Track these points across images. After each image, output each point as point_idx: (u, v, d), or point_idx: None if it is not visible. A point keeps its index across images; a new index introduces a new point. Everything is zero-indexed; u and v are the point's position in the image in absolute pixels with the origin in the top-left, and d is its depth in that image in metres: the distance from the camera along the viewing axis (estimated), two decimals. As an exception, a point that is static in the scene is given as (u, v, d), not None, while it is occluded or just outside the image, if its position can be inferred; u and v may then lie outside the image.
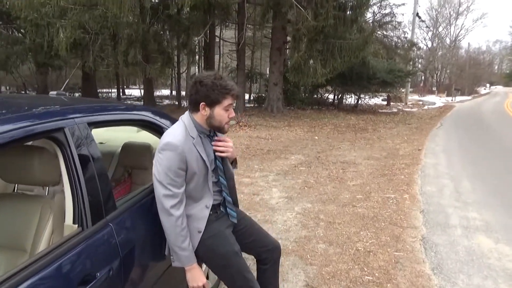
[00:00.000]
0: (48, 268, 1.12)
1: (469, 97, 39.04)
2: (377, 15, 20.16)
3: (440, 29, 51.63)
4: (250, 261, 2.66)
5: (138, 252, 1.56)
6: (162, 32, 14.46)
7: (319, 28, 11.72)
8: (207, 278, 2.24)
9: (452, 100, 31.69)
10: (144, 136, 2.50)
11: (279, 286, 2.05)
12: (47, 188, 1.69)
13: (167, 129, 1.74)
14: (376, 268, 2.84)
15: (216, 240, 1.70)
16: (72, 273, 1.20)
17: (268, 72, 17.28)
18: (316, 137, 9.68)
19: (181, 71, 20.62)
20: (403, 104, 24.55)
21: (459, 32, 53.00)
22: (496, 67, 70.86)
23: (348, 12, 13.14)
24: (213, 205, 1.75)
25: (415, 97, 34.74)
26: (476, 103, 28.19)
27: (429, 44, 50.72)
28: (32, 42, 12.24)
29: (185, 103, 17.82)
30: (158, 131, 1.92)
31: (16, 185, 1.78)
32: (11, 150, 1.38)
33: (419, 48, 27.63)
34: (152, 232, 1.66)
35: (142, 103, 18.26)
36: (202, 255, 1.69)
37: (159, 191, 1.56)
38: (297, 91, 18.00)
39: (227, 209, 1.80)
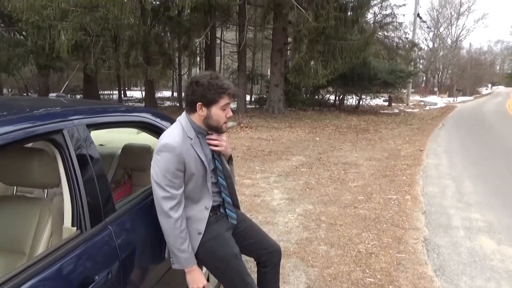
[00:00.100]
0: (46, 271, 1.12)
1: (471, 98, 38.95)
2: (378, 15, 20.20)
3: (441, 29, 51.66)
4: (251, 263, 2.64)
5: (138, 255, 1.55)
6: (163, 34, 14.50)
7: (320, 29, 11.72)
8: (208, 280, 2.22)
9: (453, 100, 31.64)
10: (144, 138, 2.49)
11: (280, 288, 2.03)
12: (46, 190, 1.68)
13: None
14: (378, 270, 2.82)
15: (216, 243, 1.69)
16: (70, 276, 1.19)
17: (269, 73, 17.30)
18: (318, 138, 9.67)
19: (182, 73, 20.65)
20: (405, 104, 24.52)
21: (460, 33, 53.06)
22: (498, 67, 70.70)
23: (349, 13, 13.14)
24: (212, 207, 1.74)
25: (417, 97, 34.70)
26: (478, 104, 28.12)
27: (430, 45, 50.77)
28: (34, 45, 12.29)
29: (186, 104, 17.76)
30: (159, 133, 1.91)
31: (15, 187, 1.77)
32: (10, 152, 1.37)
33: (420, 49, 27.67)
34: (152, 234, 1.64)
35: (143, 104, 18.29)
36: (201, 257, 1.68)
37: (158, 193, 1.55)
38: (298, 92, 18.01)
39: (226, 210, 1.79)
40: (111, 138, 2.80)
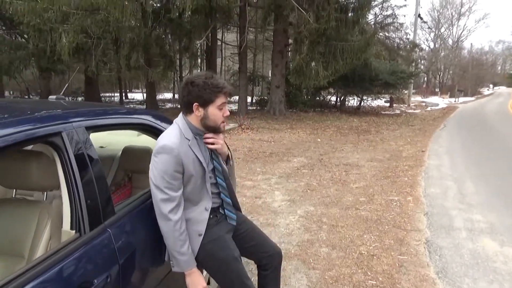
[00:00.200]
0: (45, 274, 1.11)
1: (472, 98, 38.89)
2: (379, 16, 20.22)
3: (442, 30, 51.66)
4: (251, 265, 2.63)
5: (137, 258, 1.54)
6: (164, 36, 14.54)
7: (321, 31, 11.71)
8: (208, 283, 2.21)
9: (455, 101, 31.61)
10: (145, 140, 2.48)
11: (281, 291, 2.02)
12: (45, 193, 1.68)
13: None
14: (380, 272, 2.80)
15: (216, 245, 1.68)
16: (68, 280, 1.18)
17: (270, 74, 17.30)
18: (319, 140, 9.65)
19: (183, 75, 20.69)
20: (406, 105, 24.50)
21: (461, 33, 52.99)
22: (499, 68, 70.56)
23: (349, 14, 13.15)
24: (213, 209, 1.73)
25: (418, 98, 34.67)
26: (480, 104, 28.06)
27: (432, 45, 50.75)
28: (35, 47, 12.32)
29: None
30: (159, 135, 1.90)
31: (15, 190, 1.77)
32: (9, 155, 1.36)
33: (421, 49, 27.65)
34: (151, 237, 1.63)
35: (144, 106, 18.31)
36: (201, 259, 1.67)
37: (156, 195, 1.54)
38: (299, 94, 18.01)
39: (226, 210, 1.77)
40: (112, 140, 2.80)
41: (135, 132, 2.92)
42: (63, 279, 1.17)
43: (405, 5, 29.70)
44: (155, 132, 1.93)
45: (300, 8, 11.73)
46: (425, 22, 32.95)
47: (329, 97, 21.36)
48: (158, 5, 13.52)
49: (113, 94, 26.09)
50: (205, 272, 1.88)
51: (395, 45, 21.54)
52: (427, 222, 3.88)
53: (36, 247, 1.42)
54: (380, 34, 19.73)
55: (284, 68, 14.89)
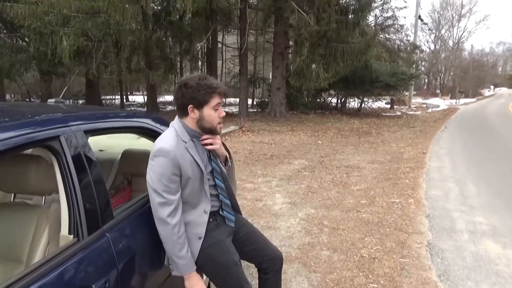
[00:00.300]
0: (42, 279, 1.10)
1: (473, 99, 38.85)
2: (379, 18, 20.26)
3: (443, 31, 51.66)
4: (252, 269, 2.62)
5: (136, 262, 1.53)
6: (164, 39, 14.56)
7: (321, 33, 11.70)
8: (209, 287, 2.19)
9: (456, 102, 31.56)
10: (145, 143, 2.47)
11: (282, 295, 2.00)
12: (44, 197, 1.67)
13: None
14: (381, 275, 2.78)
15: (216, 249, 1.67)
16: (66, 285, 1.17)
17: (270, 76, 17.30)
18: (320, 142, 9.64)
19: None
20: (407, 107, 24.47)
21: (462, 34, 52.97)
22: (500, 69, 70.53)
23: (350, 16, 13.16)
24: (212, 212, 1.72)
25: (419, 100, 34.61)
26: (481, 105, 28.03)
27: (432, 47, 50.77)
28: (36, 50, 12.34)
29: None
30: None
31: (13, 194, 1.76)
32: (7, 159, 1.36)
33: (422, 51, 27.70)
34: (151, 241, 1.62)
35: (145, 109, 18.32)
36: (201, 263, 1.66)
37: (154, 199, 1.53)
38: (300, 96, 18.00)
39: (224, 212, 1.76)
40: (111, 144, 2.79)
41: (135, 135, 2.91)
42: (60, 285, 1.16)
43: (405, 7, 29.59)
44: (154, 136, 1.92)
45: (300, 10, 11.74)
46: (425, 24, 32.98)
47: (329, 99, 21.35)
48: (159, 8, 13.55)
49: (114, 97, 26.10)
50: (205, 277, 1.87)
51: (396, 46, 21.57)
52: (429, 224, 3.86)
53: (34, 252, 1.41)
54: (381, 36, 19.75)
55: (285, 70, 14.89)
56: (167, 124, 2.03)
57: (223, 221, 1.77)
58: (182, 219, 1.58)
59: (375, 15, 19.89)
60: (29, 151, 1.67)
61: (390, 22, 20.21)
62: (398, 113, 20.04)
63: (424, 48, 40.58)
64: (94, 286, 1.23)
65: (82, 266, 1.25)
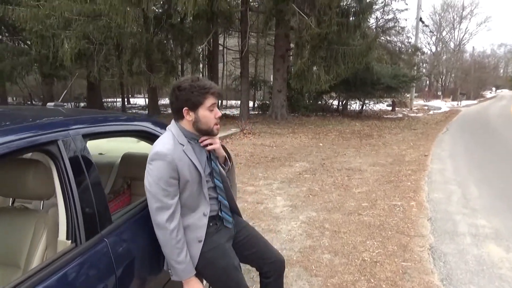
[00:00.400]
0: (40, 285, 1.09)
1: (475, 101, 38.80)
2: (380, 20, 20.26)
3: (444, 33, 51.64)
4: (253, 272, 2.60)
5: (135, 267, 1.51)
6: (165, 41, 14.60)
7: (322, 35, 11.71)
8: (209, 291, 2.18)
9: (457, 104, 31.53)
10: (145, 147, 2.46)
11: (283, 300, 1.97)
12: (42, 201, 1.66)
13: None
14: (383, 280, 2.76)
15: (216, 253, 1.65)
16: (64, 291, 1.16)
17: (271, 79, 17.31)
18: (321, 144, 9.62)
19: (185, 80, 20.70)
20: (408, 109, 24.44)
21: (463, 36, 52.93)
22: (502, 71, 70.41)
23: (351, 18, 13.15)
24: (212, 216, 1.70)
25: (420, 102, 34.61)
26: (482, 107, 27.98)
27: (433, 49, 50.74)
28: (38, 53, 12.40)
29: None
30: None
31: (11, 199, 1.75)
32: (4, 164, 1.34)
33: (423, 53, 27.65)
34: (150, 245, 1.60)
35: (146, 112, 18.35)
36: (201, 268, 1.64)
37: (152, 203, 1.51)
38: (301, 98, 17.99)
39: (222, 212, 1.74)
40: (111, 147, 2.78)
41: (134, 139, 2.90)
42: (58, 291, 1.15)
43: (406, 9, 29.67)
44: (154, 139, 1.90)
45: (301, 13, 11.75)
46: (426, 26, 33.03)
47: (331, 101, 21.34)
48: (160, 10, 13.58)
49: (115, 100, 26.16)
50: (205, 282, 1.85)
51: (397, 49, 21.57)
52: (431, 227, 3.83)
53: (32, 257, 1.39)
54: (382, 38, 19.75)
55: (286, 72, 14.90)
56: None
57: (223, 225, 1.75)
58: (181, 223, 1.57)
59: (376, 17, 19.92)
60: (28, 155, 1.66)
61: (391, 24, 20.22)
62: (400, 115, 20.02)
63: (425, 50, 40.54)
64: (92, 292, 1.21)
65: (80, 272, 1.24)
